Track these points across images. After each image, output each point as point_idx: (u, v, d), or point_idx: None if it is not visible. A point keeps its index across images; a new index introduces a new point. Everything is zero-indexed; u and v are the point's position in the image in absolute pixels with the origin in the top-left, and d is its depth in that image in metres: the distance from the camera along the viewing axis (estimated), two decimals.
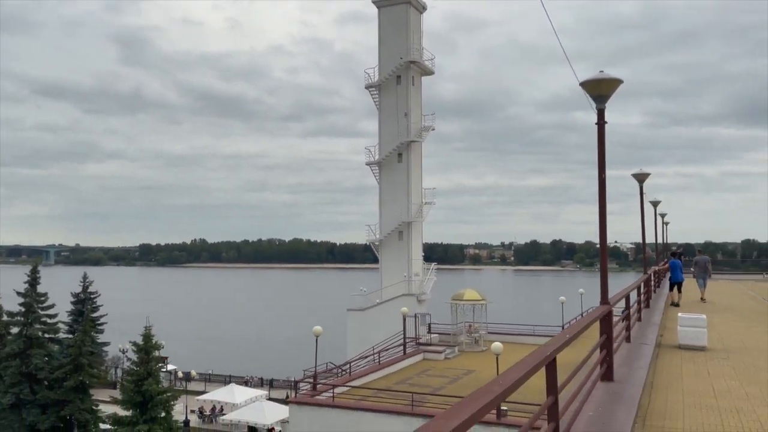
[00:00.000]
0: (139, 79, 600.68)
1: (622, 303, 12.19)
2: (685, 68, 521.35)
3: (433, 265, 50.17)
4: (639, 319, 14.83)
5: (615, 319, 13.22)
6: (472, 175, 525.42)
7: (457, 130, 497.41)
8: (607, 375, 7.96)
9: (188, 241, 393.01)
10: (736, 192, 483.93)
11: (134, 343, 35.78)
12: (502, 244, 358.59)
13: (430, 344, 38.16)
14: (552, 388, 4.64)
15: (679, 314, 13.94)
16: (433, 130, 49.39)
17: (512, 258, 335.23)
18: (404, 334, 35.27)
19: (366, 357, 33.37)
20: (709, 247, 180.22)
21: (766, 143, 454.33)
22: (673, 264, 22.89)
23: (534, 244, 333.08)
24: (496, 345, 23.95)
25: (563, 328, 34.37)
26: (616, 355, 9.75)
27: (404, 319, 35.20)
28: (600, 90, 8.16)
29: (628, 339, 11.32)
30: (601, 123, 8.29)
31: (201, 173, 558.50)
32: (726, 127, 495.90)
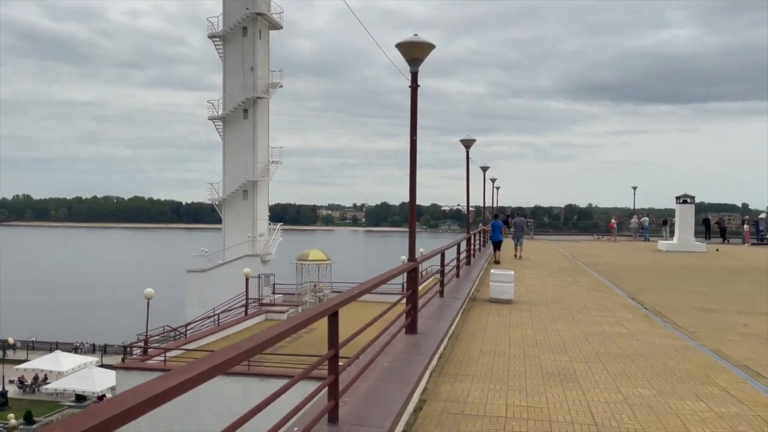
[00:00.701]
0: None
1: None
2: (525, 43, 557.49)
3: (279, 226, 49.76)
4: (458, 275, 15.83)
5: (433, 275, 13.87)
6: (326, 136, 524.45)
7: (314, 89, 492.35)
8: (411, 328, 8.36)
9: (9, 197, 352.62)
10: (562, 161, 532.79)
11: None
12: (354, 206, 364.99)
13: (273, 305, 38.11)
14: (333, 341, 4.74)
15: (492, 270, 15.09)
16: (281, 87, 48.36)
17: (363, 219, 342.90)
18: (246, 295, 34.85)
19: (208, 318, 32.56)
20: (537, 211, 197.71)
21: (589, 118, 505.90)
22: (494, 225, 24.74)
23: (384, 206, 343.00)
24: None
25: (402, 286, 35.92)
26: (426, 308, 10.33)
27: (247, 280, 34.73)
28: (414, 53, 8.32)
29: (441, 294, 12.01)
30: (414, 86, 8.50)
31: (24, 121, 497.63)
32: (557, 101, 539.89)
